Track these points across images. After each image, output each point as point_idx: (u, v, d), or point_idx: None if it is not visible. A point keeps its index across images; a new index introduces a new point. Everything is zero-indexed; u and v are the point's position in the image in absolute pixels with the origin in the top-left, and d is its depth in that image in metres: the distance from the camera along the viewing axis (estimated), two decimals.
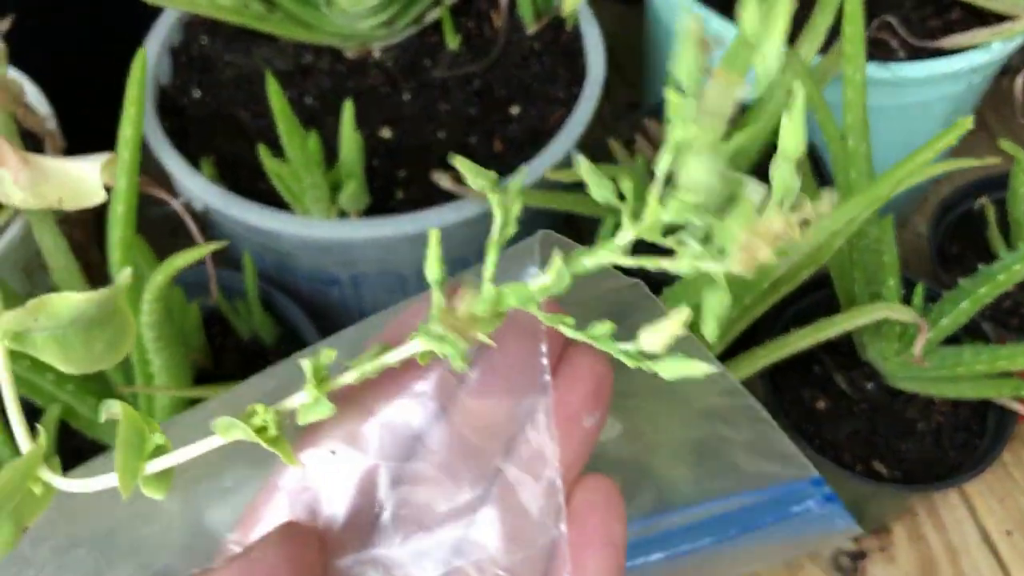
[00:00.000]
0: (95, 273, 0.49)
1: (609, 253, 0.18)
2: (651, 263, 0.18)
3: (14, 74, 0.53)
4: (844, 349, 0.55)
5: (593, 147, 0.54)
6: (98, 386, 0.46)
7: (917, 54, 0.56)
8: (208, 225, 0.55)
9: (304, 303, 0.54)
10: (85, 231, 0.55)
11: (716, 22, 0.55)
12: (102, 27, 0.62)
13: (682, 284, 0.41)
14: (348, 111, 0.48)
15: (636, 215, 0.17)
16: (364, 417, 0.24)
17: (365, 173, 0.51)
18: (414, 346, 0.20)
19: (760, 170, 0.19)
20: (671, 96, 0.16)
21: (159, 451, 0.22)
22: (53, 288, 0.48)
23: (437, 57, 0.57)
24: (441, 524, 0.23)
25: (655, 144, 0.55)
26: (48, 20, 0.59)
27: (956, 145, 0.40)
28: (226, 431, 0.21)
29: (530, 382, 0.23)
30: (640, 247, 0.18)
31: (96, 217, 0.54)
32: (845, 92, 0.45)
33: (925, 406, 0.54)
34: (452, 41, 0.57)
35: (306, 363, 0.21)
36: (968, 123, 0.39)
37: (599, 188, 0.18)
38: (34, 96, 0.54)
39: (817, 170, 0.54)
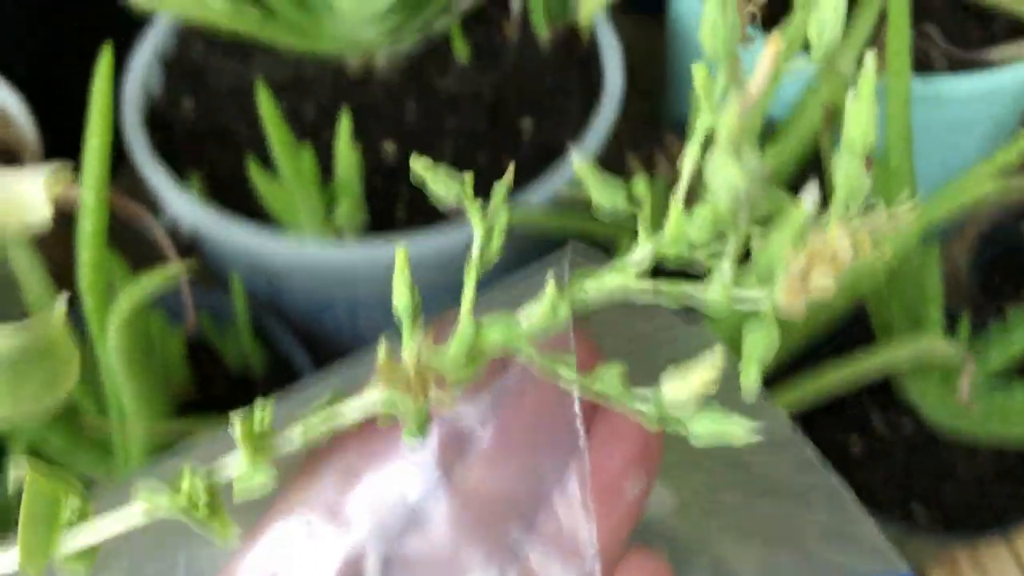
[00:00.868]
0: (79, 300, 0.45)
1: (619, 275, 0.14)
2: (672, 289, 0.14)
3: None
4: (878, 386, 0.50)
5: (610, 166, 0.51)
6: (70, 415, 0.42)
7: (959, 66, 0.52)
8: (198, 244, 0.51)
9: (297, 329, 0.51)
10: (67, 251, 0.51)
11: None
12: (92, 36, 0.59)
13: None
14: (344, 123, 0.45)
15: (655, 226, 0.13)
16: (349, 484, 0.19)
17: (365, 190, 0.47)
18: (370, 398, 0.16)
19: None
20: (698, 71, 0.12)
21: (81, 518, 0.18)
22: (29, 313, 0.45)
23: (445, 68, 0.54)
24: None
25: (676, 163, 0.51)
26: (35, 30, 0.56)
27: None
28: (150, 501, 0.16)
29: (557, 441, 0.18)
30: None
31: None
32: (888, 106, 0.42)
33: (969, 450, 0.49)
34: (461, 51, 0.54)
35: (235, 422, 0.16)
36: None
37: (604, 193, 0.14)
38: (14, 107, 0.51)
39: None
